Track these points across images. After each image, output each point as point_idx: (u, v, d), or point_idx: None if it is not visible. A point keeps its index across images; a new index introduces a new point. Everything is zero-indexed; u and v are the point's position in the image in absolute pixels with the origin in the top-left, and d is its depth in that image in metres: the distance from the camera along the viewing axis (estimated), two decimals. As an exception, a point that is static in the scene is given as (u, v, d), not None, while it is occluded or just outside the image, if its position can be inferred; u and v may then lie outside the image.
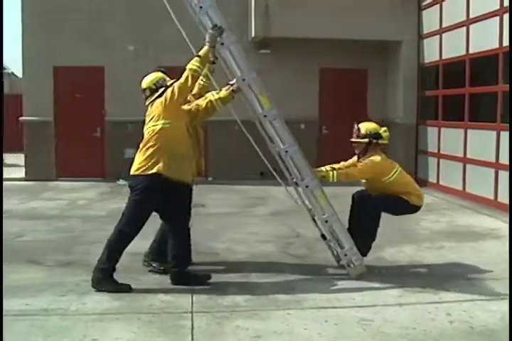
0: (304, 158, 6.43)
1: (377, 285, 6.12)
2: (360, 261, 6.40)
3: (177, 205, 6.05)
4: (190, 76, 5.93)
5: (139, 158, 5.93)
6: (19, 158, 15.69)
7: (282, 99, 14.29)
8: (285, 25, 13.07)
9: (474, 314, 5.23)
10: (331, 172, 6.58)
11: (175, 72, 14.14)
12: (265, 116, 6.36)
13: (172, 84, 6.03)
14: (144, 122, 6.10)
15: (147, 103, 6.14)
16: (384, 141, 6.72)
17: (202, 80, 6.60)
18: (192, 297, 5.67)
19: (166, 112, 5.89)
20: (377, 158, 6.62)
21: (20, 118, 14.68)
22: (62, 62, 13.95)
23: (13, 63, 27.52)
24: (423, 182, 12.91)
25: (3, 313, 4.81)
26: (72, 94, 14.17)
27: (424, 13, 13.58)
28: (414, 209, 6.80)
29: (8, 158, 18.70)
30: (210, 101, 6.48)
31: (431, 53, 13.28)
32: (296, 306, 5.45)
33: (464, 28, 11.50)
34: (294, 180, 6.41)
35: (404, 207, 6.69)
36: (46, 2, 13.91)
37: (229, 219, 9.57)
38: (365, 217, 6.61)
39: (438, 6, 12.84)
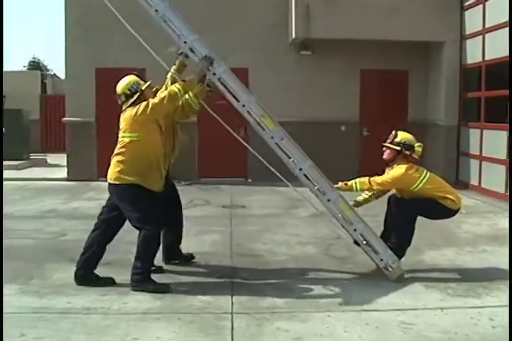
0: (320, 171, 6.45)
1: (417, 288, 6.08)
2: (398, 264, 6.36)
3: (149, 211, 6.04)
4: (168, 97, 5.92)
5: (112, 167, 6.03)
6: (62, 158, 15.92)
7: (323, 100, 14.37)
8: (326, 26, 13.04)
9: (517, 319, 5.16)
10: (354, 184, 6.63)
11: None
12: (272, 137, 6.38)
13: (146, 88, 6.05)
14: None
15: (123, 108, 6.11)
16: (414, 155, 6.68)
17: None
18: (232, 298, 5.70)
19: (133, 125, 5.91)
20: (400, 170, 6.55)
21: (63, 118, 14.89)
22: (104, 63, 14.10)
23: (56, 65, 27.80)
24: (464, 185, 12.78)
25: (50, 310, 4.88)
26: (114, 96, 14.25)
27: (467, 13, 13.42)
28: (450, 213, 6.72)
29: (51, 158, 19.05)
30: (186, 99, 6.41)
31: (473, 54, 13.12)
32: (336, 308, 5.44)
33: (508, 29, 11.32)
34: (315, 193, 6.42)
35: (440, 210, 6.63)
36: (89, 4, 14.08)
37: (270, 221, 9.57)
38: (401, 219, 6.57)
39: (481, 6, 12.67)
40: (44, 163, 18.31)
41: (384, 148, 6.79)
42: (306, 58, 14.36)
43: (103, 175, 14.12)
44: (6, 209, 10.26)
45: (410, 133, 6.85)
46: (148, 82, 6.15)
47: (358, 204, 6.87)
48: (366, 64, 14.40)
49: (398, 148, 6.64)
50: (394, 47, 13.97)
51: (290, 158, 6.37)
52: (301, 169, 6.35)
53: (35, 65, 50.23)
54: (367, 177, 6.67)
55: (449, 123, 13.78)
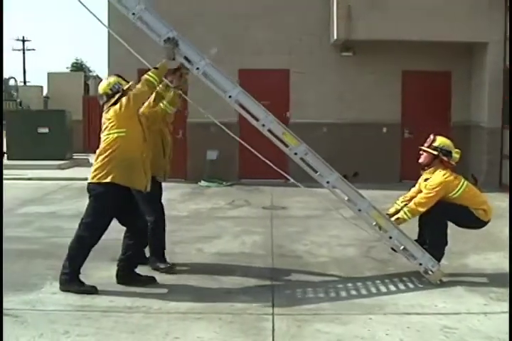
0: (347, 182, 6.41)
1: (460, 292, 6.00)
2: (438, 267, 6.29)
3: (133, 211, 6.10)
4: (145, 83, 5.99)
5: (95, 166, 6.00)
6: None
7: (364, 101, 14.30)
8: (368, 27, 12.98)
9: None
10: (404, 215, 6.54)
11: (256, 75, 14.22)
12: (296, 153, 6.35)
13: (128, 89, 6.05)
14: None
15: (105, 108, 6.11)
16: (451, 161, 6.60)
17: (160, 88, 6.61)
18: (273, 299, 5.70)
19: (120, 121, 5.91)
20: (440, 178, 6.47)
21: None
22: (146, 64, 14.19)
23: (99, 66, 28.24)
24: (507, 188, 12.57)
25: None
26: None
27: (511, 13, 13.21)
28: (480, 223, 6.63)
29: (93, 158, 19.25)
30: (162, 108, 6.57)
31: (518, 55, 12.91)
32: (378, 311, 5.40)
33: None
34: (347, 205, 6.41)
35: (471, 219, 6.55)
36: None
37: (310, 222, 9.55)
38: (434, 223, 6.51)
39: (526, 6, 12.49)
40: (86, 163, 18.52)
41: (421, 152, 6.73)
42: (347, 59, 14.31)
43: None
44: (50, 208, 10.46)
45: (449, 138, 6.77)
46: (131, 83, 6.18)
47: (391, 216, 6.78)
48: (408, 65, 14.28)
49: (436, 152, 6.58)
50: (436, 48, 13.84)
51: (317, 172, 6.37)
52: (328, 182, 6.34)
53: (78, 67, 51.03)
54: (412, 203, 6.57)
55: (492, 126, 13.59)
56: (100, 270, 6.56)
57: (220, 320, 5.13)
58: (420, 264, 6.29)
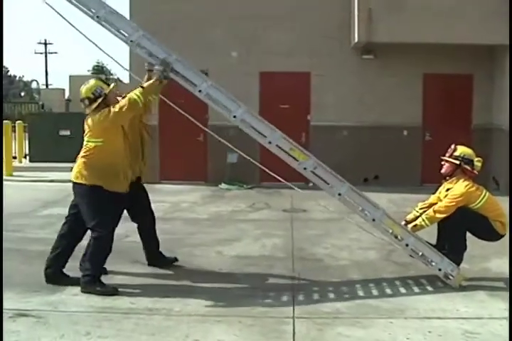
0: (360, 192, 6.42)
1: (482, 296, 5.95)
2: (458, 271, 6.27)
3: (104, 214, 6.05)
4: (128, 105, 5.95)
5: (77, 167, 6.06)
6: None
7: (385, 104, 14.25)
8: (389, 30, 12.91)
9: None
10: (423, 223, 6.53)
11: (277, 77, 14.26)
12: (305, 168, 6.37)
13: (110, 92, 6.08)
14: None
15: (87, 112, 6.14)
16: (474, 170, 6.57)
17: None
18: (293, 302, 5.69)
19: (99, 131, 5.97)
20: (461, 189, 6.44)
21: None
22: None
23: (120, 69, 28.45)
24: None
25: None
26: (176, 99, 14.43)
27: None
28: (495, 236, 6.59)
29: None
30: (150, 100, 6.59)
31: (540, 58, 12.78)
32: (399, 315, 5.38)
33: None
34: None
35: (488, 230, 6.51)
36: (153, 9, 14.30)
37: (331, 225, 9.51)
38: (453, 228, 6.49)
39: (549, 8, 12.35)
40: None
41: (443, 162, 6.72)
42: (368, 62, 14.25)
43: (165, 178, 14.49)
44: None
45: (470, 147, 6.75)
46: (112, 86, 6.19)
47: (407, 223, 6.75)
48: (429, 68, 14.19)
49: (457, 162, 6.57)
50: (458, 51, 13.74)
51: (328, 184, 6.40)
52: (340, 194, 6.35)
53: (99, 70, 51.29)
54: (430, 210, 6.57)
55: (514, 129, 13.46)
56: (121, 272, 6.60)
57: (240, 323, 5.13)
58: (439, 269, 6.28)
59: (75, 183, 6.11)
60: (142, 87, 6.16)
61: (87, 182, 5.97)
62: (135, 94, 6.04)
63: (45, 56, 60.06)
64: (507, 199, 9.51)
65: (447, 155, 6.68)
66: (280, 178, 6.65)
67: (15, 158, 17.54)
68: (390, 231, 6.35)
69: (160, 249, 6.98)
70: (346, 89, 14.28)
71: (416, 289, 6.22)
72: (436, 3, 12.90)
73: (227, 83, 13.19)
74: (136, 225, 6.94)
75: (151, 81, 6.26)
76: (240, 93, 13.91)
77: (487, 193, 6.55)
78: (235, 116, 6.36)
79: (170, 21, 14.20)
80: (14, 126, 17.65)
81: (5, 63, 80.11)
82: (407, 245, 6.36)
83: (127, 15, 14.53)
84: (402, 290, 6.19)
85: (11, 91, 57.75)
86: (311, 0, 14.13)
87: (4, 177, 14.87)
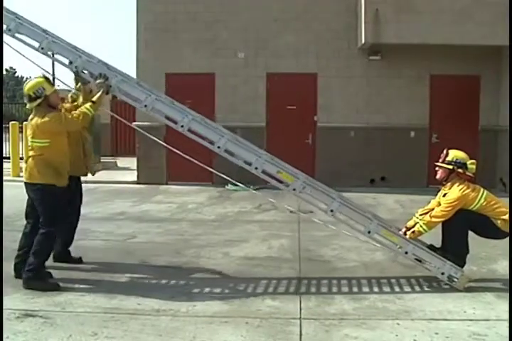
0: (352, 205, 6.46)
1: (489, 298, 5.93)
2: (461, 273, 6.25)
3: (56, 213, 6.15)
4: (82, 118, 6.15)
5: (29, 167, 6.18)
6: (131, 162, 16.24)
7: (391, 105, 14.25)
8: (396, 31, 12.91)
9: None
10: (421, 229, 6.49)
11: (284, 78, 14.27)
12: (294, 189, 6.41)
13: (53, 93, 6.14)
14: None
15: (28, 107, 6.27)
16: (467, 173, 6.57)
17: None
18: (300, 303, 5.69)
19: (45, 133, 6.08)
20: (456, 194, 6.43)
21: (133, 123, 15.13)
22: (174, 69, 14.34)
23: (126, 70, 28.46)
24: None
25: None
26: (183, 100, 14.43)
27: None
28: (499, 233, 6.55)
29: (121, 161, 19.42)
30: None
31: (548, 59, 12.74)
32: (405, 316, 5.36)
33: None
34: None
35: (491, 228, 6.49)
36: (160, 11, 14.35)
37: (339, 226, 9.47)
38: (454, 231, 6.48)
39: (557, 8, 12.30)
40: (114, 166, 18.68)
41: (437, 168, 6.73)
42: (375, 63, 14.27)
43: (172, 179, 14.53)
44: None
45: (462, 151, 6.75)
46: (54, 88, 6.23)
47: (408, 229, 6.73)
48: (436, 69, 14.19)
49: (450, 166, 6.58)
50: (465, 52, 13.73)
51: (320, 203, 6.46)
52: (332, 210, 6.39)
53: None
54: (427, 215, 6.58)
55: (520, 130, 13.42)
56: (128, 273, 6.60)
57: (247, 324, 5.13)
58: (442, 273, 6.27)
59: (28, 184, 6.21)
60: (93, 101, 6.31)
61: (41, 182, 6.09)
62: (86, 108, 6.22)
63: (53, 56, 60.04)
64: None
65: (440, 160, 6.71)
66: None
67: (22, 158, 17.56)
68: (388, 242, 6.39)
69: (167, 251, 6.98)
70: (353, 90, 14.29)
71: (422, 291, 6.21)
72: (442, 5, 12.90)
73: (234, 84, 13.38)
74: (139, 226, 6.94)
75: (98, 94, 6.41)
76: (247, 94, 13.97)
77: (484, 193, 6.53)
78: (219, 147, 6.67)
79: (178, 22, 14.25)
80: (21, 127, 17.67)
81: (12, 64, 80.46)
82: (406, 253, 6.39)
83: (134, 16, 14.63)
84: (409, 291, 6.17)
85: (19, 92, 57.82)
86: (317, 2, 14.17)
87: (11, 177, 14.95)
